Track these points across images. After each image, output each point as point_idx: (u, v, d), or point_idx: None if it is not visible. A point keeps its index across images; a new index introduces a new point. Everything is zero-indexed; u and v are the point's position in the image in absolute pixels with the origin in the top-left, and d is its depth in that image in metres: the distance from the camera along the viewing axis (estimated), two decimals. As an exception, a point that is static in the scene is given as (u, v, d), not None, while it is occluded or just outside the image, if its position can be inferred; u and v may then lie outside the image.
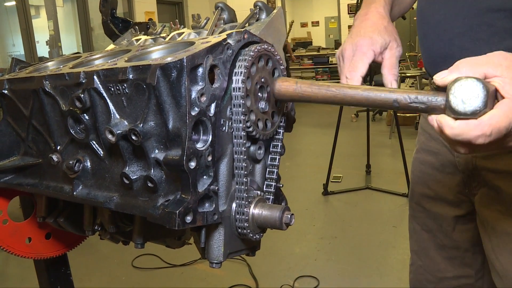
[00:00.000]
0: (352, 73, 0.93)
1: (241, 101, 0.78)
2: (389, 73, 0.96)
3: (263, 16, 1.00)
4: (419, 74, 6.98)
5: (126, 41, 1.23)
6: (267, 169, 0.93)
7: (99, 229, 1.05)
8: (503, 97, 0.63)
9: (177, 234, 1.04)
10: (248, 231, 0.83)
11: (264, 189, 0.92)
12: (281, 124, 0.92)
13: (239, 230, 0.83)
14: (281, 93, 0.81)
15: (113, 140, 0.78)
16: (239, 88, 0.78)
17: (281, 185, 0.95)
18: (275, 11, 1.02)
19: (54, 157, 0.94)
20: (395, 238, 3.40)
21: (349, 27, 11.12)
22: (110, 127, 0.78)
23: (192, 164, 0.72)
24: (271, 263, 3.11)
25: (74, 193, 0.91)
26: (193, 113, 0.72)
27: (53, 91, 0.90)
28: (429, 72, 1.13)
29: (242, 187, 0.82)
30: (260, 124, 0.85)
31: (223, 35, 0.79)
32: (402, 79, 7.16)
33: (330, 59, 10.93)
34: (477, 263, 1.23)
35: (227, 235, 0.83)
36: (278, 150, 0.92)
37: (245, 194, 0.82)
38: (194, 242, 0.96)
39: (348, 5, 11.45)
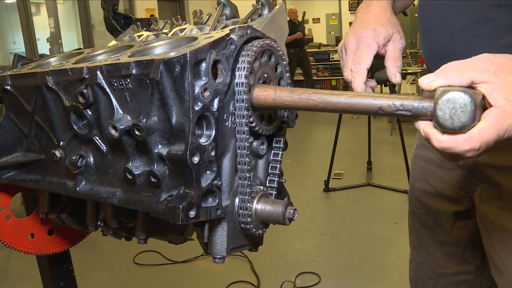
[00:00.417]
0: (358, 65, 0.93)
1: (244, 96, 0.78)
2: (393, 65, 0.96)
3: (265, 11, 1.00)
4: (420, 70, 6.97)
5: (128, 37, 1.22)
6: (270, 165, 0.93)
7: (102, 224, 1.05)
8: (490, 105, 0.62)
9: (180, 230, 1.04)
10: (251, 226, 0.83)
11: (267, 184, 0.92)
12: (283, 119, 0.92)
13: (242, 225, 0.83)
14: (259, 103, 0.78)
15: (116, 135, 0.78)
16: (242, 83, 0.78)
17: (284, 181, 0.95)
18: (277, 6, 1.02)
19: (57, 153, 0.94)
20: (396, 235, 3.40)
21: (350, 23, 11.09)
22: (113, 122, 0.78)
23: (196, 159, 0.72)
24: (272, 259, 3.11)
25: (77, 188, 0.91)
26: (196, 108, 0.72)
27: (56, 87, 0.90)
28: (430, 69, 1.12)
29: (245, 182, 0.82)
30: (263, 120, 0.85)
31: (226, 30, 0.79)
32: (403, 76, 7.15)
33: (331, 56, 10.90)
34: (476, 259, 1.23)
35: (230, 230, 0.83)
36: (281, 145, 0.92)
37: (248, 189, 0.82)
38: (197, 238, 0.96)
39: (349, 1, 11.43)
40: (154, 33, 1.14)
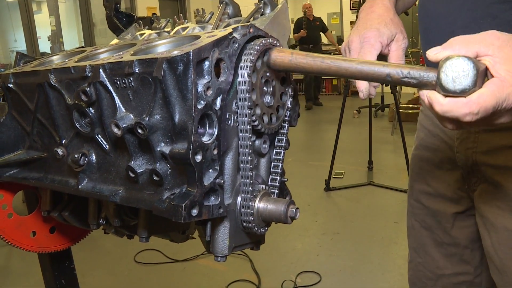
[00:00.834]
0: None
1: (247, 95, 0.79)
2: None
3: (268, 10, 1.00)
4: (421, 70, 6.95)
5: (130, 35, 1.22)
6: (272, 163, 0.93)
7: (104, 223, 1.05)
8: (492, 76, 0.64)
9: (181, 228, 1.04)
10: (253, 224, 0.83)
11: (269, 183, 0.92)
12: (286, 118, 0.92)
13: (244, 223, 0.83)
14: (276, 63, 0.81)
15: (119, 133, 0.78)
16: (245, 82, 0.78)
17: (286, 179, 0.95)
18: (279, 5, 1.01)
19: (59, 151, 0.94)
20: (397, 234, 3.40)
21: (351, 23, 11.09)
22: (116, 120, 0.78)
23: (198, 158, 0.72)
24: (273, 258, 3.11)
25: (79, 186, 0.91)
26: (199, 107, 0.72)
27: (59, 85, 0.90)
28: (430, 66, 1.12)
29: (247, 181, 0.82)
30: (265, 118, 0.86)
31: (229, 29, 0.79)
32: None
33: (332, 55, 10.91)
34: (476, 259, 1.23)
35: (232, 228, 0.83)
36: (283, 144, 0.92)
37: (250, 188, 0.82)
38: (199, 236, 0.96)
39: (350, 1, 11.41)
40: (156, 31, 1.15)
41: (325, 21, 9.98)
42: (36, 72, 0.95)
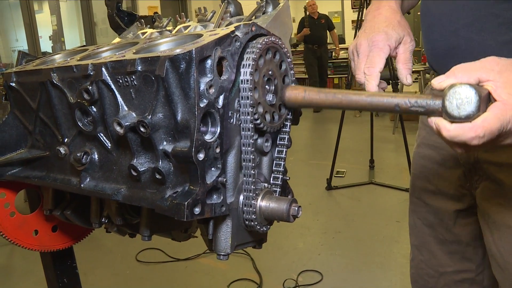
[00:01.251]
0: (371, 69, 0.95)
1: (249, 93, 0.78)
2: (404, 68, 0.98)
3: (270, 9, 1.00)
4: (422, 69, 6.95)
5: (132, 34, 1.23)
6: (274, 162, 0.93)
7: (106, 221, 1.06)
8: (495, 100, 0.67)
9: (184, 227, 1.04)
10: (256, 223, 0.83)
11: (271, 181, 0.92)
12: (288, 117, 0.92)
13: (247, 222, 0.83)
14: (291, 101, 0.86)
15: (121, 132, 0.79)
16: (247, 81, 0.78)
17: (288, 178, 0.95)
18: (281, 4, 1.01)
19: (62, 150, 0.94)
20: (398, 233, 3.40)
21: (353, 22, 11.06)
22: (119, 119, 0.78)
23: (201, 156, 0.72)
24: (275, 257, 3.11)
25: (82, 185, 0.91)
26: (201, 105, 0.72)
27: (61, 84, 0.90)
28: (432, 66, 1.12)
29: (249, 179, 0.82)
30: (268, 117, 0.86)
31: (231, 28, 0.79)
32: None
33: (334, 54, 10.87)
34: (478, 257, 1.23)
35: (234, 227, 0.83)
36: (285, 142, 0.92)
37: (252, 186, 0.82)
38: (201, 235, 0.96)
39: (351, 0, 11.41)
40: (158, 30, 1.15)
41: (326, 20, 9.66)
42: (38, 71, 0.95)
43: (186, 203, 0.70)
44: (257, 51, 0.79)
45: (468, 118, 0.64)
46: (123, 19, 1.29)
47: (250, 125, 0.80)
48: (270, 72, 0.85)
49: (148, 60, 0.75)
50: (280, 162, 0.92)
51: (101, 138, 0.88)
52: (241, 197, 0.83)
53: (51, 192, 1.11)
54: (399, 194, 4.14)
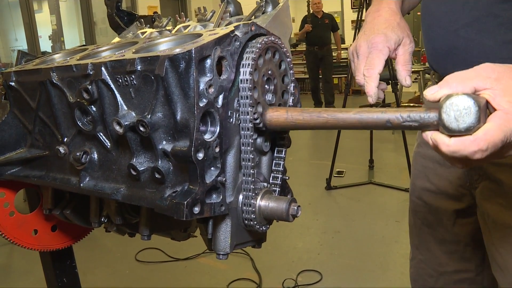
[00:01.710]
0: (370, 71, 0.95)
1: (249, 93, 0.79)
2: (403, 69, 0.98)
3: (269, 9, 1.00)
4: (422, 69, 6.96)
5: (132, 34, 1.23)
6: (274, 161, 0.93)
7: (106, 221, 1.06)
8: (494, 109, 0.63)
9: (183, 226, 1.04)
10: (255, 222, 0.83)
11: (271, 181, 0.92)
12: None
13: (246, 221, 0.83)
14: (272, 123, 0.80)
15: (120, 131, 0.79)
16: (247, 80, 0.78)
17: (287, 177, 0.95)
18: (281, 4, 1.01)
19: (61, 149, 0.94)
20: (398, 233, 3.40)
21: (353, 22, 11.06)
22: (118, 118, 0.78)
23: (200, 155, 0.72)
24: (274, 257, 3.11)
25: (81, 184, 0.91)
26: (201, 104, 0.72)
27: (61, 83, 0.90)
28: (432, 66, 1.12)
29: (249, 178, 0.82)
30: (267, 116, 0.85)
31: (231, 27, 0.79)
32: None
33: (333, 54, 10.88)
34: (477, 257, 1.23)
35: (234, 226, 0.83)
36: (285, 142, 0.92)
37: (252, 186, 0.82)
38: (201, 234, 0.96)
39: (351, 0, 11.40)
40: (157, 30, 1.15)
41: (326, 20, 9.27)
42: (38, 70, 0.95)
43: (185, 202, 0.70)
44: (257, 50, 0.79)
45: (469, 131, 0.60)
46: (122, 19, 1.29)
47: (250, 124, 0.80)
48: (269, 72, 0.85)
49: (147, 59, 0.75)
50: (279, 161, 0.93)
51: (101, 138, 0.88)
52: (241, 197, 0.83)
53: (50, 191, 1.11)
54: (398, 194, 4.15)
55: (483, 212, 1.09)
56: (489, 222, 1.07)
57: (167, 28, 1.15)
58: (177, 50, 0.71)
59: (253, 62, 0.79)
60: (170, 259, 3.14)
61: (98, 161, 0.91)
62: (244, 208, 0.83)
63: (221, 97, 0.76)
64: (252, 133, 0.81)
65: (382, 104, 7.85)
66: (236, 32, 0.79)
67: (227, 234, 0.83)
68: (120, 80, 0.80)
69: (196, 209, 0.72)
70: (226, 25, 0.98)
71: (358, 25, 4.42)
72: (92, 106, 0.86)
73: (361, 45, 0.99)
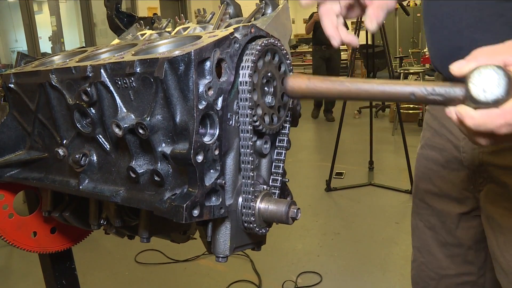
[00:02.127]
0: (322, 7, 0.89)
1: (248, 95, 0.78)
2: (374, 13, 0.89)
3: (269, 10, 1.00)
4: (422, 70, 6.96)
5: (131, 35, 1.22)
6: (273, 164, 0.93)
7: (105, 223, 1.05)
8: None
9: (182, 229, 1.04)
10: (255, 225, 0.83)
11: (270, 183, 0.92)
12: (287, 118, 0.92)
13: (246, 224, 0.83)
14: (294, 90, 0.76)
15: (120, 134, 0.78)
16: (246, 82, 0.78)
17: (287, 180, 0.95)
18: (280, 5, 1.01)
19: (60, 151, 0.94)
20: (397, 235, 3.39)
21: (352, 23, 11.06)
22: (117, 120, 0.78)
23: (199, 158, 0.72)
24: (274, 259, 3.11)
25: (80, 187, 0.91)
26: (200, 107, 0.72)
27: (60, 85, 0.90)
28: (437, 67, 1.11)
29: (248, 181, 0.82)
30: (267, 119, 0.85)
31: (230, 29, 0.79)
32: (405, 76, 7.14)
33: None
34: (479, 260, 1.22)
35: (233, 229, 0.83)
36: (284, 144, 0.92)
37: (251, 189, 0.82)
38: (200, 236, 0.96)
39: (351, 1, 11.39)
40: (157, 31, 1.14)
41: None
42: (37, 72, 0.95)
43: (184, 205, 0.70)
44: (256, 52, 0.79)
45: (496, 103, 0.57)
46: (122, 20, 1.29)
47: (249, 127, 0.80)
48: (269, 74, 0.85)
49: (147, 61, 0.75)
50: (279, 164, 0.92)
51: (100, 140, 0.88)
52: (240, 199, 0.83)
53: (49, 193, 1.11)
54: (398, 196, 4.14)
55: (487, 216, 1.08)
56: (494, 226, 1.06)
57: (167, 29, 1.15)
58: (177, 52, 0.71)
59: (252, 64, 0.79)
60: (169, 261, 3.13)
61: (97, 163, 0.90)
62: (244, 210, 0.83)
63: (220, 99, 0.76)
64: (251, 135, 0.81)
65: (382, 105, 7.89)
66: (236, 34, 0.79)
67: (227, 237, 0.83)
68: (120, 82, 0.80)
69: (196, 212, 0.72)
70: (225, 27, 0.97)
71: (358, 26, 4.41)
72: (91, 108, 0.85)
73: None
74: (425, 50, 8.36)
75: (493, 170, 1.04)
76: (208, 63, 0.73)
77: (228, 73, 0.77)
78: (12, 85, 1.00)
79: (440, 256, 1.25)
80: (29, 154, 1.04)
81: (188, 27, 1.08)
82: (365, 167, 4.90)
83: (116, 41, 1.21)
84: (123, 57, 0.82)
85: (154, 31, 1.15)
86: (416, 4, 12.60)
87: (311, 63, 11.24)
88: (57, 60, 1.07)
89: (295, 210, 0.82)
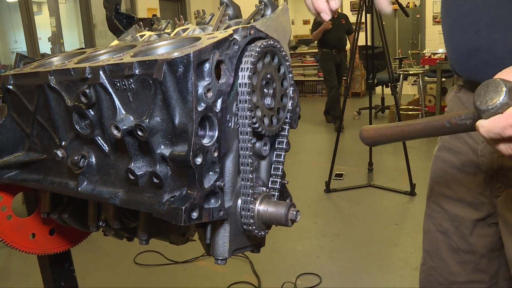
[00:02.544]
0: None
1: (247, 97, 0.78)
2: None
3: (268, 12, 1.00)
4: (421, 72, 6.96)
5: (131, 37, 1.22)
6: (272, 166, 0.93)
7: (104, 225, 1.05)
8: None
9: (181, 231, 1.04)
10: (254, 227, 0.83)
11: (270, 185, 0.92)
12: (286, 120, 0.92)
13: (245, 226, 0.83)
14: (366, 138, 0.89)
15: (118, 135, 0.78)
16: (245, 84, 0.78)
17: (286, 182, 0.95)
18: (280, 7, 1.01)
19: (59, 153, 0.94)
20: (397, 236, 3.39)
21: (352, 24, 11.06)
22: (116, 122, 0.78)
23: (198, 160, 0.71)
24: (273, 260, 3.11)
25: (79, 189, 0.91)
26: (199, 109, 0.71)
27: (58, 87, 0.90)
28: (454, 69, 1.09)
29: (247, 183, 0.82)
30: (266, 120, 0.85)
31: (229, 31, 0.79)
32: (404, 77, 7.14)
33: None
34: (492, 269, 1.18)
35: (232, 231, 0.83)
36: (284, 146, 0.92)
37: (250, 191, 0.82)
38: (199, 239, 0.96)
39: (350, 2, 11.41)
40: (156, 33, 1.14)
41: (325, 22, 8.69)
42: (36, 74, 0.94)
43: (183, 207, 0.70)
44: (256, 54, 0.79)
45: (501, 109, 0.64)
46: (121, 22, 1.28)
47: (248, 129, 0.80)
48: (268, 76, 0.84)
49: (145, 63, 0.75)
50: (278, 166, 0.92)
51: (99, 142, 0.87)
52: (239, 201, 0.83)
53: (48, 195, 1.11)
54: (398, 197, 4.14)
55: (505, 222, 1.05)
56: None
57: (166, 31, 1.15)
58: (176, 54, 0.71)
59: (252, 66, 0.78)
60: (169, 262, 3.13)
61: (96, 165, 0.90)
62: (243, 213, 0.82)
63: (219, 101, 0.75)
64: (250, 137, 0.80)
65: (381, 106, 7.89)
66: (235, 36, 0.78)
67: (226, 239, 0.83)
68: (118, 84, 0.79)
69: (194, 214, 0.72)
70: (225, 29, 0.97)
71: (358, 27, 4.41)
72: (90, 110, 0.85)
73: None
74: (424, 51, 8.36)
75: None
76: (207, 65, 0.73)
77: (227, 74, 0.77)
78: (10, 87, 1.00)
79: (450, 261, 1.21)
80: (28, 156, 1.04)
81: (188, 28, 1.08)
82: (365, 168, 4.90)
83: (116, 42, 1.20)
84: (122, 59, 0.81)
85: (153, 32, 1.15)
86: (415, 6, 12.61)
87: (311, 64, 11.28)
88: (56, 61, 1.06)
89: (295, 212, 0.82)
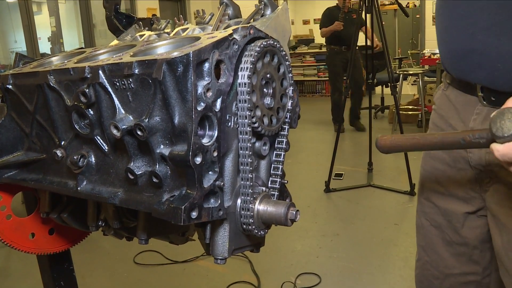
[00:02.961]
0: None
1: (247, 96, 0.78)
2: None
3: (268, 12, 1.00)
4: (421, 72, 6.96)
5: (130, 36, 1.22)
6: (272, 165, 0.93)
7: (103, 224, 1.05)
8: None
9: (181, 230, 1.04)
10: (253, 227, 0.83)
11: (269, 185, 0.92)
12: (286, 120, 0.92)
13: (244, 226, 0.83)
14: (382, 147, 0.92)
15: (118, 135, 0.78)
16: (245, 84, 0.78)
17: (286, 181, 0.95)
18: (280, 7, 1.01)
19: (58, 152, 0.94)
20: (397, 236, 3.39)
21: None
22: (115, 122, 0.78)
23: (198, 160, 0.71)
24: (273, 260, 3.11)
25: (78, 188, 0.91)
26: (199, 108, 0.71)
27: (58, 86, 0.90)
28: (446, 68, 1.11)
29: (247, 183, 0.82)
30: (266, 120, 0.85)
31: (229, 30, 0.79)
32: (404, 77, 7.14)
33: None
34: (485, 260, 1.22)
35: (232, 231, 0.83)
36: (283, 146, 0.92)
37: (250, 190, 0.82)
38: (199, 238, 0.96)
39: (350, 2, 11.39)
40: (156, 32, 1.14)
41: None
42: (35, 73, 0.94)
43: (183, 207, 0.70)
44: (255, 54, 0.79)
45: None
46: (121, 21, 1.28)
47: (248, 128, 0.80)
48: (268, 75, 0.84)
49: (145, 63, 0.75)
50: (278, 165, 0.92)
51: (98, 141, 0.87)
52: (239, 201, 0.83)
53: (47, 195, 1.11)
54: (397, 197, 4.14)
55: (493, 215, 1.08)
56: (499, 226, 1.06)
57: (166, 30, 1.15)
58: (175, 54, 0.71)
59: (251, 66, 0.78)
60: (168, 262, 3.13)
61: (96, 164, 0.90)
62: (242, 212, 0.82)
63: (219, 101, 0.75)
64: (250, 137, 0.80)
65: (381, 106, 7.89)
66: (235, 35, 0.78)
67: (225, 238, 0.83)
68: (118, 84, 0.79)
69: (194, 214, 0.72)
70: (224, 28, 0.97)
71: (357, 27, 4.41)
72: (90, 110, 0.85)
73: None
74: (424, 51, 8.36)
75: (500, 170, 1.04)
76: (206, 65, 0.73)
77: (227, 74, 0.77)
78: (10, 86, 1.00)
79: (445, 254, 1.25)
80: (27, 155, 1.04)
81: (187, 28, 1.08)
82: (364, 168, 4.90)
83: (115, 42, 1.20)
84: (122, 58, 0.81)
85: (153, 32, 1.15)
86: (415, 6, 12.61)
87: (311, 64, 11.27)
88: (56, 61, 1.06)
89: (294, 212, 0.82)
